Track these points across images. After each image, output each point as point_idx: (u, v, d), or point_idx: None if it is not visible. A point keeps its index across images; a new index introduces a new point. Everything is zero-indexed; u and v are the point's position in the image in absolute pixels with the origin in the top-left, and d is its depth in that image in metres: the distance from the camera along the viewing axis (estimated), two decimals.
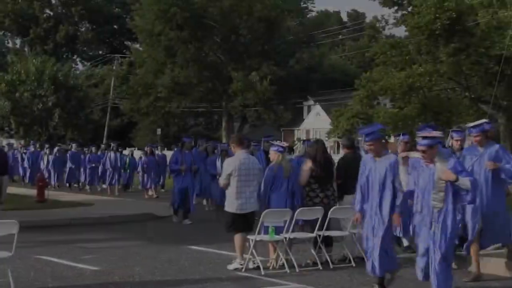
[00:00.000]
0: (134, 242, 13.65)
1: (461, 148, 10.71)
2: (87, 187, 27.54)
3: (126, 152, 29.77)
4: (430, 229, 7.93)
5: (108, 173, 26.50)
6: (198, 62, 53.14)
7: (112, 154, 26.87)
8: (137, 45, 65.62)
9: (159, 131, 57.44)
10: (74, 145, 29.57)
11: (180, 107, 55.80)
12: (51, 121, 50.63)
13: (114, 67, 69.21)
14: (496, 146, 9.93)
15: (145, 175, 25.46)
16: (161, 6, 49.41)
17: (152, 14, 50.57)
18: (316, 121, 61.47)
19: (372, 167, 9.11)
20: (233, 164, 10.76)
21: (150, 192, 25.18)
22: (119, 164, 26.82)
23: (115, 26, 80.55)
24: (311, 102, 63.60)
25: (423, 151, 8.02)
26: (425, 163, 8.08)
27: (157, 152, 27.81)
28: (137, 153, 32.07)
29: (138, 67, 56.62)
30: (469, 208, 9.45)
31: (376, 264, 8.81)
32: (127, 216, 17.94)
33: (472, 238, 9.65)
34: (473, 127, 10.01)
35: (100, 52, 79.33)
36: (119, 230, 15.77)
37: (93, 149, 29.06)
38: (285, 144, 11.56)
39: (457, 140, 10.98)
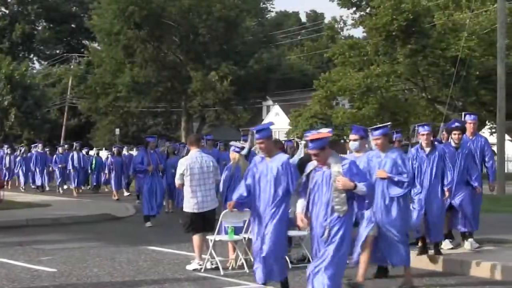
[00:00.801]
0: (92, 243, 13.55)
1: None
2: (58, 188, 27.28)
3: (92, 152, 29.48)
4: (328, 237, 7.28)
5: (71, 173, 26.28)
6: (157, 61, 52.85)
7: (75, 154, 26.65)
8: (95, 44, 64.97)
9: (117, 131, 57.02)
10: (40, 145, 29.19)
11: (139, 106, 55.46)
12: (7, 121, 49.86)
13: (71, 66, 68.50)
14: (396, 153, 9.29)
15: (112, 176, 25.25)
16: (120, 5, 49.00)
17: (110, 13, 50.10)
18: (275, 121, 61.57)
19: (263, 168, 8.60)
20: (185, 163, 10.82)
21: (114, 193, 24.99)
22: (82, 164, 26.61)
23: (72, 25, 79.56)
24: (270, 102, 63.73)
25: (315, 155, 7.28)
26: (319, 166, 7.36)
27: (124, 152, 27.60)
28: (101, 154, 31.84)
29: (96, 66, 56.10)
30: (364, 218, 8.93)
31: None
32: (84, 217, 17.81)
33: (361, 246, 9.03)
34: (375, 129, 9.39)
35: (58, 51, 78.26)
36: (77, 231, 15.63)
37: (60, 149, 28.78)
38: (243, 144, 11.61)
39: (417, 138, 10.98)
